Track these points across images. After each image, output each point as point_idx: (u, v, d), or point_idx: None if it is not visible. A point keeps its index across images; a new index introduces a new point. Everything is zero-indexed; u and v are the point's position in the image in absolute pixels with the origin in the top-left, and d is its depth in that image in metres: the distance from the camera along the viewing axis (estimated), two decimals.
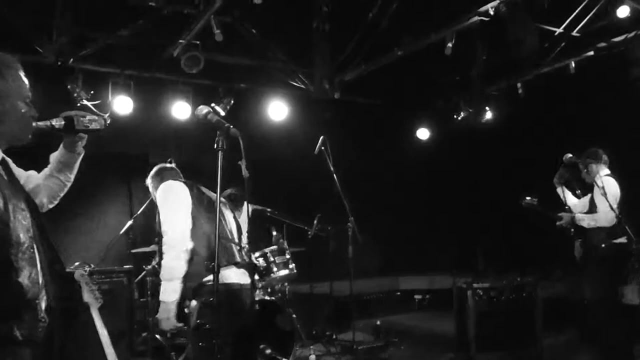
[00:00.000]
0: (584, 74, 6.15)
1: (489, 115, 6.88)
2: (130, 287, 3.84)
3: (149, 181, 3.35)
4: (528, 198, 5.02)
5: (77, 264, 3.78)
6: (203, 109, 2.52)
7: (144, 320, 4.49)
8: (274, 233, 5.03)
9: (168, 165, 3.48)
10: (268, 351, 4.35)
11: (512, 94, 6.59)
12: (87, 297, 3.22)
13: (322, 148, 5.19)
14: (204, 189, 3.12)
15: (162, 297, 2.77)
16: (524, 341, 5.49)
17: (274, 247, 4.86)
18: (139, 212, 4.27)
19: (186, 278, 2.79)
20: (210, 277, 2.84)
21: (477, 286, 5.51)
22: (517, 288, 5.59)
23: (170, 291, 2.77)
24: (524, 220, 6.99)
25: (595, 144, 4.78)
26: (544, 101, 6.83)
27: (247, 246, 3.22)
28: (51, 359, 1.98)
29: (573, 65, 6.10)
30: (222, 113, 2.45)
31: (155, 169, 3.41)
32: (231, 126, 2.48)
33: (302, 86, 6.30)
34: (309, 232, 5.49)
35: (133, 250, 4.41)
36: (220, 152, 2.43)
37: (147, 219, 5.87)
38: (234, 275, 2.98)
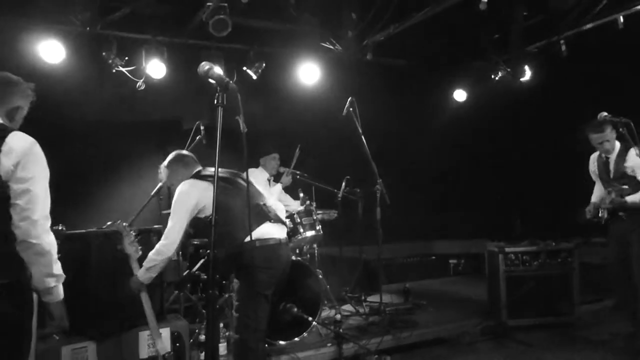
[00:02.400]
0: (633, 30, 5.75)
1: (528, 74, 6.59)
2: None
3: (161, 168, 3.58)
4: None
5: (109, 223, 3.95)
6: (205, 66, 2.57)
7: (176, 279, 4.68)
8: (301, 195, 5.09)
9: (185, 152, 3.63)
10: (295, 310, 4.46)
11: (554, 52, 6.26)
12: (127, 248, 3.41)
13: (350, 109, 5.16)
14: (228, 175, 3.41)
15: (140, 277, 3.33)
16: (558, 308, 5.40)
17: (301, 208, 4.93)
18: None
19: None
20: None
21: (509, 250, 5.43)
22: (552, 253, 5.47)
23: (143, 277, 3.33)
24: (565, 183, 6.76)
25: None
26: (588, 60, 6.45)
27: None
28: None
29: (622, 20, 5.71)
30: (221, 71, 2.51)
31: (170, 157, 3.57)
32: (230, 81, 2.51)
33: (333, 48, 6.20)
34: (338, 195, 5.52)
35: (164, 212, 4.56)
36: (220, 107, 2.46)
37: None
38: (271, 230, 3.33)
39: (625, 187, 4.47)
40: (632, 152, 4.36)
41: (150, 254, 3.28)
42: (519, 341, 4.94)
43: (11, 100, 2.67)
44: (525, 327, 5.21)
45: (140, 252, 3.39)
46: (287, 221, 4.78)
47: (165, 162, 3.56)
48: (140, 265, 3.34)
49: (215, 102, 2.48)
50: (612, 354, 4.56)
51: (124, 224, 3.43)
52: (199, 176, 3.39)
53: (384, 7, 5.51)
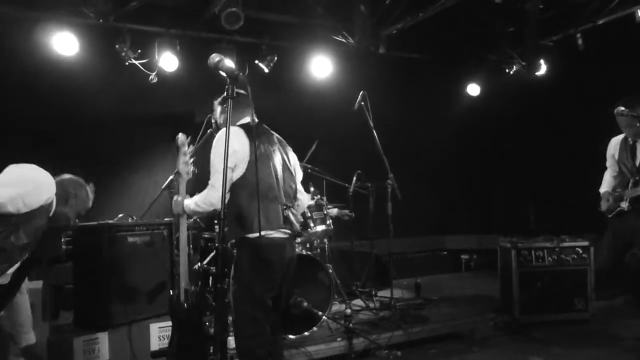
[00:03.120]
0: None
1: (543, 68, 6.49)
2: (170, 239, 4.01)
3: (215, 104, 3.43)
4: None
5: (120, 215, 3.98)
6: (215, 58, 2.56)
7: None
8: (312, 189, 5.06)
9: (242, 92, 3.10)
10: (305, 304, 4.45)
11: (570, 45, 6.15)
12: (180, 166, 3.24)
13: (362, 103, 5.12)
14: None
15: (185, 207, 3.10)
16: (572, 304, 5.33)
17: (312, 202, 4.90)
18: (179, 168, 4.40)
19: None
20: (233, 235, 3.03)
21: (522, 246, 5.37)
22: (565, 249, 5.40)
23: (187, 209, 3.10)
24: (579, 179, 6.66)
25: None
26: (605, 54, 6.34)
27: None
28: None
29: (639, 13, 5.60)
30: (231, 63, 2.49)
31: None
32: (240, 73, 2.50)
33: (345, 41, 6.16)
34: (349, 190, 5.50)
35: None
36: (230, 99, 2.46)
37: (193, 176, 6.09)
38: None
39: None
40: None
41: (199, 200, 3.00)
42: (532, 337, 4.89)
43: None
44: (538, 323, 5.16)
45: (191, 175, 3.18)
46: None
47: (219, 98, 3.34)
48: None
49: (225, 94, 2.48)
50: (625, 351, 4.50)
51: (184, 137, 3.19)
52: (246, 128, 3.03)
53: (398, 0, 5.45)
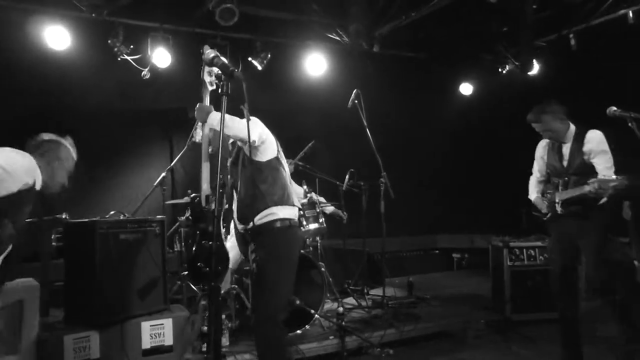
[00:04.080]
0: None
1: (536, 68, 6.51)
2: (162, 236, 3.98)
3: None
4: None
5: (112, 212, 3.95)
6: (210, 53, 2.55)
7: (179, 270, 4.67)
8: (305, 187, 5.05)
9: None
10: (297, 302, 4.44)
11: (563, 45, 6.18)
12: (205, 75, 3.09)
13: (356, 102, 5.11)
14: None
15: (211, 112, 2.94)
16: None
17: (305, 200, 4.89)
18: (171, 165, 4.37)
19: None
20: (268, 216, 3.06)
21: (513, 245, 5.39)
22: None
23: (212, 118, 2.92)
24: None
25: None
26: (598, 54, 6.37)
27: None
28: None
29: (631, 15, 5.63)
30: (225, 60, 2.50)
31: None
32: (235, 69, 2.48)
33: (339, 39, 6.15)
34: (342, 188, 5.49)
35: (167, 202, 4.56)
36: (224, 96, 2.44)
37: (186, 173, 6.06)
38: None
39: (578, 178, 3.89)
40: (590, 134, 3.92)
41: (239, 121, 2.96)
42: (524, 335, 4.91)
43: None
44: (529, 321, 5.18)
45: (214, 86, 3.00)
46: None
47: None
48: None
49: (220, 90, 2.46)
50: (615, 349, 4.53)
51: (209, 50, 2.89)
52: None
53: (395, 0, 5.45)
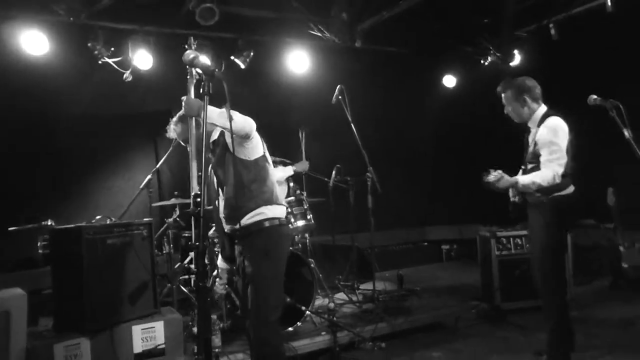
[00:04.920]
0: (621, 12, 5.73)
1: (517, 58, 6.57)
2: (150, 239, 3.96)
3: (179, 127, 3.30)
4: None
5: (98, 217, 3.92)
6: (190, 54, 2.54)
7: (169, 272, 4.65)
8: (291, 184, 5.05)
9: None
10: (288, 300, 4.45)
11: (544, 36, 6.23)
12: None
13: (340, 97, 5.11)
14: None
15: (219, 112, 2.82)
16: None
17: (292, 198, 4.89)
18: (157, 167, 4.35)
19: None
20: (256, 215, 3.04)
21: (500, 235, 5.45)
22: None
23: (213, 112, 2.80)
24: None
25: (635, 90, 4.46)
26: (578, 43, 6.44)
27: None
28: None
29: (610, 3, 5.69)
30: (207, 60, 2.49)
31: None
32: (216, 69, 2.48)
33: (321, 35, 6.14)
34: (329, 184, 5.50)
35: (154, 204, 4.53)
36: (206, 96, 2.43)
37: (172, 174, 6.03)
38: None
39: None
40: (546, 121, 3.75)
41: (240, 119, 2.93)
42: (514, 324, 4.97)
43: None
44: (519, 309, 5.24)
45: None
46: None
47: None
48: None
49: (201, 90, 2.45)
50: (605, 333, 4.61)
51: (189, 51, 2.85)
52: None
53: None
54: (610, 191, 6.06)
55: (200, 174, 2.43)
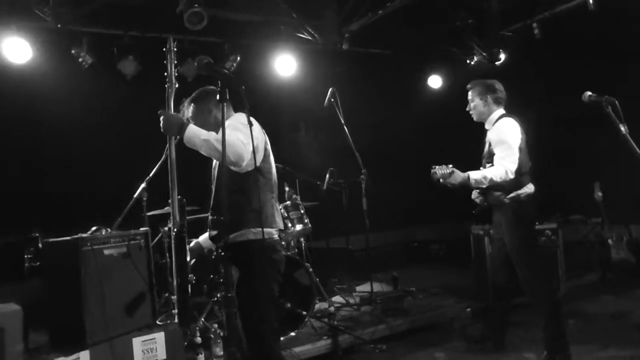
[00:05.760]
0: (604, 11, 5.85)
1: (503, 57, 6.64)
2: (147, 249, 3.88)
3: (192, 108, 3.08)
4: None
5: (94, 228, 3.82)
6: (203, 59, 2.49)
7: (165, 281, 4.56)
8: (287, 189, 5.02)
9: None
10: (288, 305, 4.42)
11: (528, 34, 6.31)
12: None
13: (332, 100, 5.10)
14: None
15: (204, 136, 2.65)
16: None
17: (288, 202, 4.86)
18: (151, 175, 4.26)
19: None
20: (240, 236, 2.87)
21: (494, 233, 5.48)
22: (537, 233, 5.55)
23: (190, 131, 2.63)
24: (542, 163, 6.86)
25: (616, 86, 4.54)
26: (562, 41, 6.55)
27: None
28: None
29: (591, 1, 5.79)
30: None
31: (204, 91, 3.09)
32: (233, 76, 2.45)
33: (310, 38, 6.12)
34: (322, 187, 5.48)
35: (148, 213, 4.44)
36: (223, 103, 2.39)
37: (163, 182, 5.91)
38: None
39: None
40: (501, 122, 3.91)
41: (216, 138, 2.64)
42: (508, 321, 5.00)
43: None
44: (513, 307, 5.27)
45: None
46: None
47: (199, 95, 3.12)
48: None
49: (219, 97, 2.40)
50: (598, 326, 4.69)
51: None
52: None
53: None
54: (597, 186, 6.18)
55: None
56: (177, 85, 2.72)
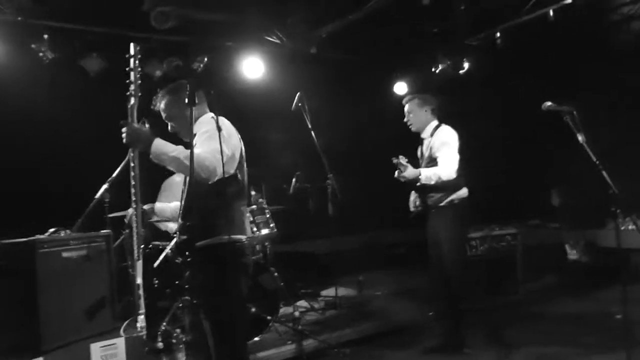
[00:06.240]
0: (563, 23, 6.06)
1: (466, 66, 6.79)
2: (108, 252, 3.78)
3: (166, 100, 2.93)
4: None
5: (52, 230, 3.70)
6: (173, 61, 2.44)
7: (126, 284, 4.45)
8: (253, 193, 4.98)
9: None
10: (253, 310, 4.38)
11: (491, 44, 6.48)
12: None
13: (300, 104, 5.09)
14: None
15: (173, 154, 2.52)
16: (505, 288, 5.65)
17: (254, 206, 4.82)
18: (113, 176, 4.14)
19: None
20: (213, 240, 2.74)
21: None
22: (497, 237, 5.70)
23: (158, 148, 2.51)
24: (502, 170, 7.05)
25: (574, 93, 4.71)
26: (524, 51, 6.75)
27: None
28: None
29: (552, 13, 5.99)
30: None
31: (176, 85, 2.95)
32: (203, 78, 2.40)
33: (278, 41, 6.11)
34: (289, 191, 5.46)
35: (110, 215, 4.32)
36: (192, 107, 2.34)
37: (127, 183, 5.76)
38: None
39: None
40: (443, 128, 4.18)
41: (185, 156, 2.51)
42: (470, 324, 5.09)
43: None
44: (475, 309, 5.37)
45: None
46: None
47: (171, 88, 2.99)
48: None
49: (187, 100, 2.34)
50: (555, 325, 4.82)
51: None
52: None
53: (331, 1, 5.49)
54: (555, 192, 6.38)
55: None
56: (140, 94, 2.53)
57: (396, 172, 4.16)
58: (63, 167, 5.47)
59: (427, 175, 4.10)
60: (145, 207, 3.15)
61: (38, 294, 3.36)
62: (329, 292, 5.75)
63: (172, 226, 4.48)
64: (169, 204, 3.23)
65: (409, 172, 4.09)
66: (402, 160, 4.11)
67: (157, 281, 4.22)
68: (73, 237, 3.63)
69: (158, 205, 3.21)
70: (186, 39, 5.97)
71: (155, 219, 3.75)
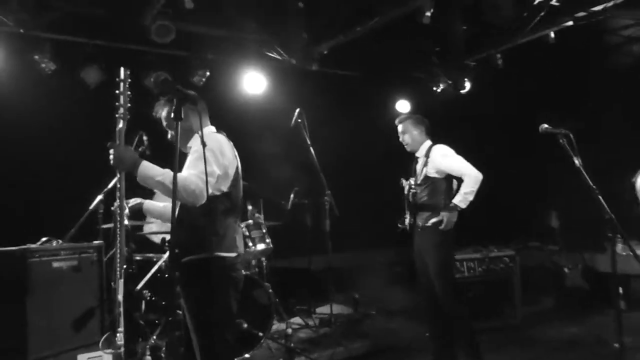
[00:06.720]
0: (563, 44, 6.08)
1: (468, 86, 6.80)
2: (99, 263, 3.76)
3: (167, 109, 2.92)
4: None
5: (44, 239, 3.69)
6: (161, 76, 2.44)
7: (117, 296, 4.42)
8: (249, 207, 4.96)
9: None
10: (245, 326, 4.33)
11: (492, 64, 6.50)
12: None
13: (299, 121, 5.11)
14: None
15: (159, 178, 2.51)
16: (502, 311, 5.57)
17: (250, 221, 4.80)
18: (108, 187, 4.14)
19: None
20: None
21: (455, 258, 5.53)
22: (495, 259, 5.65)
23: (143, 171, 2.50)
24: (501, 191, 7.00)
25: (573, 113, 4.72)
26: (524, 71, 6.77)
27: None
28: None
29: (552, 35, 6.02)
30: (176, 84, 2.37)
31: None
32: (190, 91, 2.40)
33: (279, 57, 6.14)
34: (287, 206, 5.44)
35: (103, 226, 4.31)
36: (178, 122, 2.33)
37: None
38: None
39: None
40: (439, 146, 4.19)
41: (168, 178, 2.49)
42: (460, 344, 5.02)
43: None
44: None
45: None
46: None
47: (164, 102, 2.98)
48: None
49: (174, 115, 2.33)
50: (554, 350, 4.74)
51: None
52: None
53: (332, 18, 5.53)
54: (554, 214, 6.34)
55: None
56: (129, 117, 2.56)
57: (442, 225, 4.05)
58: (59, 177, 5.47)
59: (460, 199, 4.04)
60: (131, 201, 3.06)
61: (27, 303, 3.34)
62: (324, 309, 5.69)
63: (155, 227, 4.48)
64: (159, 203, 3.23)
65: (446, 215, 4.03)
66: (434, 218, 4.07)
67: (149, 294, 4.19)
68: (64, 247, 3.62)
69: (147, 202, 3.16)
70: (186, 54, 6.02)
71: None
